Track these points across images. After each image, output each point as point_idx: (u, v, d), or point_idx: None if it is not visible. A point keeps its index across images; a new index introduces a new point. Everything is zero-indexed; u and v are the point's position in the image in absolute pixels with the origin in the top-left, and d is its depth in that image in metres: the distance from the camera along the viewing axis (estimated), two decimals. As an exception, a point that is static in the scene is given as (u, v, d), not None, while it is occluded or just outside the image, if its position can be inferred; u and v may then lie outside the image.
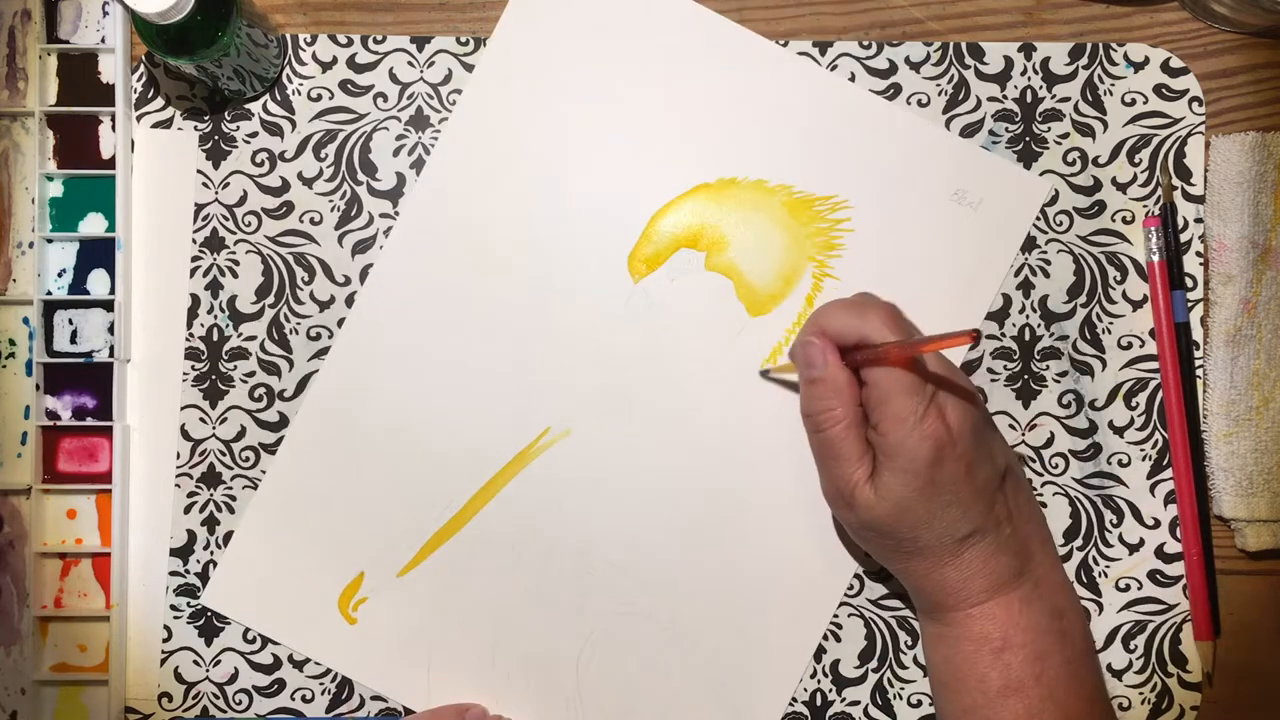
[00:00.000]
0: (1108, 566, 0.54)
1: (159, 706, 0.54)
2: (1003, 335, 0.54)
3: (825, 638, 0.54)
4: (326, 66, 0.55)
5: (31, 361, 0.55)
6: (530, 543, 0.54)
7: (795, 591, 0.54)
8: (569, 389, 0.54)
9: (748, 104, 0.55)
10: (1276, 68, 0.55)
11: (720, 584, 0.54)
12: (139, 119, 0.55)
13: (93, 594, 0.54)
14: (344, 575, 0.54)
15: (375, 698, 0.54)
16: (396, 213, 0.55)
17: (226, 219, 0.55)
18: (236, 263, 0.55)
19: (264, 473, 0.55)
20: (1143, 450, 0.54)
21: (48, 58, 0.55)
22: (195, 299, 0.55)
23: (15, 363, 0.55)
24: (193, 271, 0.55)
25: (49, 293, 0.54)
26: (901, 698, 0.54)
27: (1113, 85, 0.55)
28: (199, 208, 0.55)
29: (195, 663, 0.54)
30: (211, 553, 0.55)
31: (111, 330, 0.54)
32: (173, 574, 0.55)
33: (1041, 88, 0.55)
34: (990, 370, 0.54)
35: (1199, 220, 0.54)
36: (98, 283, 0.55)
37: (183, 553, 0.55)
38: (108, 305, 0.54)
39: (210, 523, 0.55)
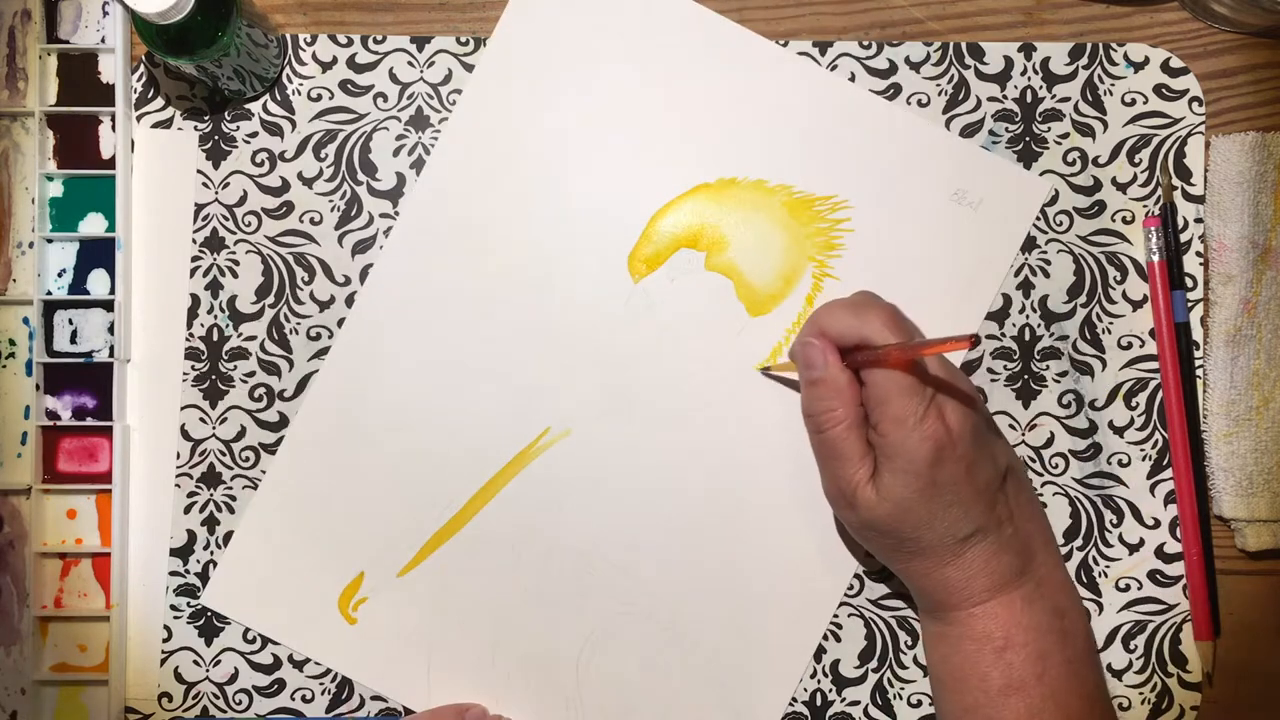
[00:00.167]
0: (1108, 566, 0.54)
1: (159, 706, 0.54)
2: (1003, 335, 0.54)
3: (825, 638, 0.54)
4: (326, 66, 0.55)
5: (31, 361, 0.55)
6: (530, 543, 0.54)
7: (795, 591, 0.54)
8: (569, 389, 0.54)
9: (748, 104, 0.55)
10: (1276, 68, 0.55)
11: (720, 584, 0.54)
12: (139, 119, 0.55)
13: (93, 594, 0.54)
14: (344, 575, 0.54)
15: (375, 698, 0.54)
16: (396, 213, 0.55)
17: (226, 219, 0.55)
18: (236, 263, 0.55)
19: (264, 473, 0.55)
20: (1143, 450, 0.54)
21: (48, 58, 0.55)
22: (195, 299, 0.55)
23: (15, 363, 0.55)
24: (193, 271, 0.55)
25: (49, 293, 0.54)
26: (901, 698, 0.54)
27: (1113, 85, 0.55)
28: (199, 208, 0.55)
29: (195, 663, 0.54)
30: (211, 553, 0.55)
31: (111, 330, 0.54)
32: (173, 574, 0.55)
33: (1041, 88, 0.55)
34: (990, 370, 0.54)
35: (1199, 220, 0.54)
36: (98, 283, 0.55)
37: (183, 553, 0.55)
38: (108, 305, 0.54)
39: (210, 523, 0.55)
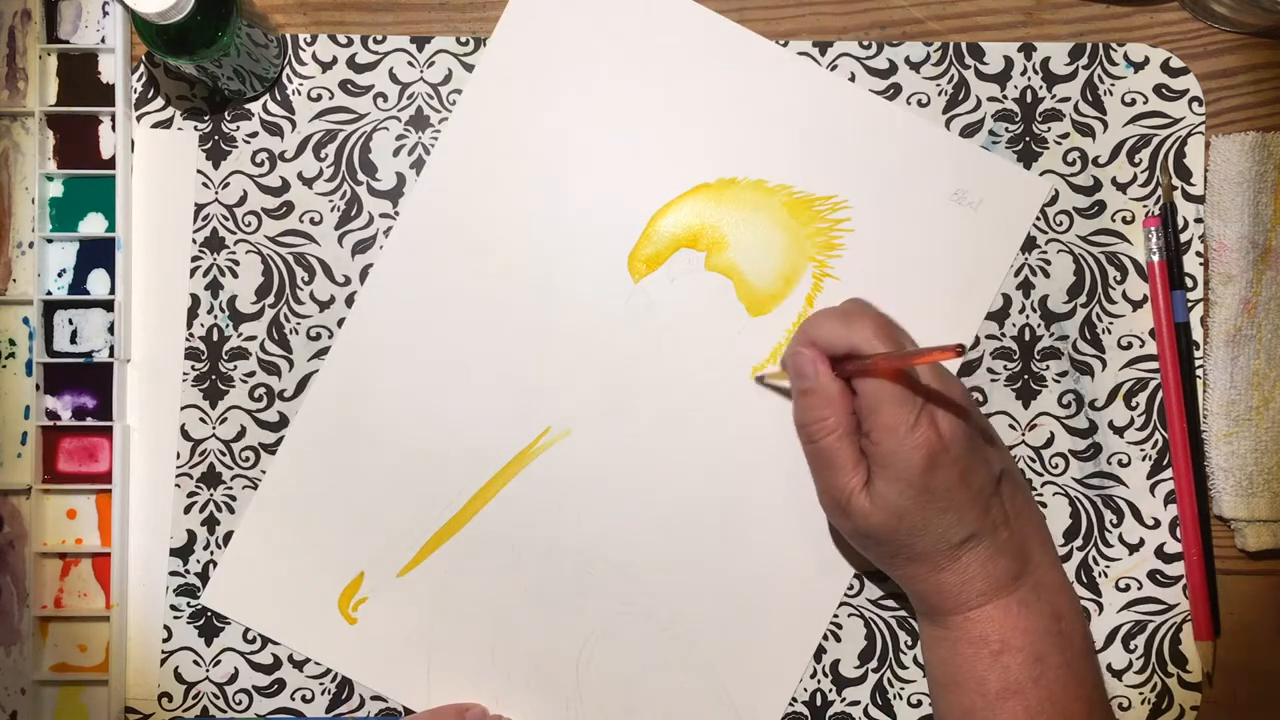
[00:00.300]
0: (1108, 566, 0.54)
1: (159, 706, 0.54)
2: (1003, 335, 0.54)
3: (825, 638, 0.54)
4: (326, 66, 0.55)
5: (31, 361, 0.55)
6: (530, 543, 0.54)
7: (795, 591, 0.54)
8: (569, 389, 0.54)
9: (748, 104, 0.55)
10: (1276, 68, 0.55)
11: (720, 584, 0.54)
12: (139, 119, 0.55)
13: (93, 594, 0.54)
14: (344, 575, 0.54)
15: (375, 698, 0.54)
16: (396, 213, 0.55)
17: (226, 219, 0.55)
18: (236, 263, 0.55)
19: (264, 473, 0.55)
20: (1143, 450, 0.54)
21: (48, 58, 0.55)
22: (195, 299, 0.55)
23: (15, 363, 0.55)
24: (193, 271, 0.55)
25: (49, 293, 0.54)
26: (901, 698, 0.54)
27: (1113, 85, 0.55)
28: (199, 208, 0.55)
29: (195, 663, 0.54)
30: (211, 553, 0.55)
31: (111, 330, 0.54)
32: (173, 574, 0.55)
33: (1041, 88, 0.55)
34: (990, 370, 0.54)
35: (1199, 220, 0.54)
36: (98, 283, 0.55)
37: (183, 553, 0.55)
38: (108, 305, 0.54)
39: (210, 523, 0.55)
